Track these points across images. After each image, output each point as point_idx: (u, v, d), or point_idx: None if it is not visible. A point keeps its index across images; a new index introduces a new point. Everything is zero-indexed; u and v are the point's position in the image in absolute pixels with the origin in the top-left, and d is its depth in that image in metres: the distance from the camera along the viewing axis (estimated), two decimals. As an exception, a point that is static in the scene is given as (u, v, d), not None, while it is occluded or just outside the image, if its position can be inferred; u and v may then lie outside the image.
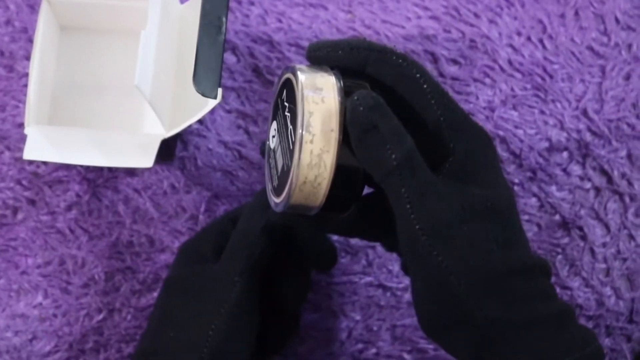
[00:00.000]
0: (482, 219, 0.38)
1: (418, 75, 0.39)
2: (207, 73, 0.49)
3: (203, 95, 0.48)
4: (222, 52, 0.49)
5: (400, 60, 0.39)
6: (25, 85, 0.53)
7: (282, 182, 0.39)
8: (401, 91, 0.40)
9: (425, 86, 0.39)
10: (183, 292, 0.47)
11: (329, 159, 0.38)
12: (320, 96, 0.38)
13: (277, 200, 0.40)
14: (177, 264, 0.50)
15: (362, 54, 0.40)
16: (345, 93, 0.39)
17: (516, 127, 0.57)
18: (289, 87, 0.40)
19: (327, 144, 0.38)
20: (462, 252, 0.37)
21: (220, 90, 0.49)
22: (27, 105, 0.51)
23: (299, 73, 0.39)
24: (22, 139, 0.57)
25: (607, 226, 0.56)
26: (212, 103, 0.49)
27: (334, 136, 0.38)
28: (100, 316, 0.54)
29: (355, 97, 0.38)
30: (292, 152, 0.38)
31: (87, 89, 0.56)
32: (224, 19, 0.50)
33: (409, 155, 0.37)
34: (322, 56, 0.41)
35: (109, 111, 0.55)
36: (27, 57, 0.57)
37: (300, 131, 0.38)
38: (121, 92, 0.55)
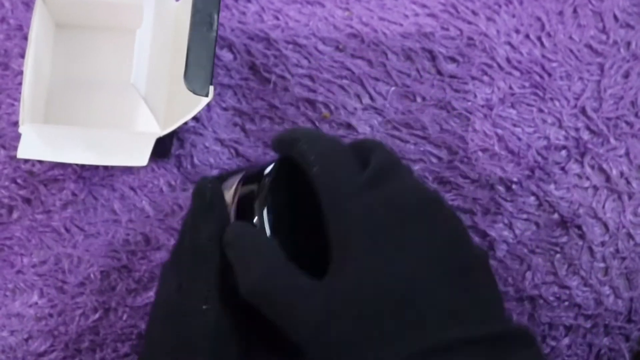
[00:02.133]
0: (353, 316, 0.38)
1: (312, 157, 0.42)
2: (198, 70, 0.48)
3: (194, 93, 0.48)
4: (214, 49, 0.49)
5: (304, 146, 0.42)
6: (20, 84, 0.52)
7: None
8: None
9: (315, 169, 0.41)
10: (163, 322, 0.44)
11: None
12: (228, 207, 0.45)
13: None
14: (158, 287, 0.48)
15: (286, 147, 0.44)
16: (241, 192, 0.44)
17: (514, 125, 0.56)
18: None
19: None
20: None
21: (211, 88, 0.49)
22: (22, 104, 0.50)
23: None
24: (18, 137, 0.56)
25: (605, 225, 0.56)
26: (204, 101, 0.49)
27: None
28: (96, 315, 0.54)
29: (225, 232, 0.42)
30: None
31: (82, 86, 0.55)
32: (215, 16, 0.49)
33: (263, 278, 0.39)
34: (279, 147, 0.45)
35: (104, 109, 0.55)
36: (22, 55, 0.57)
37: None
38: (117, 90, 0.54)
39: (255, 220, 0.42)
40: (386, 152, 0.43)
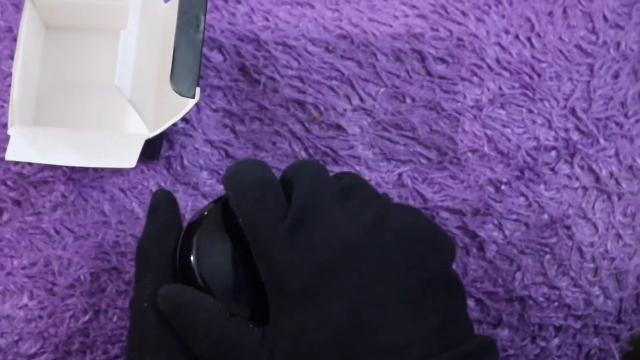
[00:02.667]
0: None
1: (230, 192, 0.42)
2: (184, 72, 0.48)
3: (180, 94, 0.48)
4: (201, 51, 0.49)
5: (229, 182, 0.43)
6: (10, 85, 0.52)
7: None
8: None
9: (235, 208, 0.42)
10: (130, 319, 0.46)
11: None
12: None
13: None
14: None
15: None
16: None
17: (504, 126, 0.57)
18: None
19: None
20: None
21: (198, 90, 0.49)
22: (11, 106, 0.50)
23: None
24: (7, 139, 0.56)
25: (595, 226, 0.56)
26: (191, 102, 0.49)
27: None
28: (86, 317, 0.54)
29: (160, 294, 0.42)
30: None
31: (71, 88, 0.55)
32: (202, 17, 0.49)
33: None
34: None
35: (93, 111, 0.55)
36: (12, 57, 0.57)
37: None
38: (106, 92, 0.54)
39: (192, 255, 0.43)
40: (306, 185, 0.42)
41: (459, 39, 0.58)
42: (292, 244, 0.39)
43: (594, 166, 0.56)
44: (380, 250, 0.40)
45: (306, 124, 0.56)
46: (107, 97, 0.54)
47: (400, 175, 0.56)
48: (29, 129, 0.51)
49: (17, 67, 0.51)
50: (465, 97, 0.57)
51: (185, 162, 0.56)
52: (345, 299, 0.38)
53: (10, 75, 0.56)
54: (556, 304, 0.55)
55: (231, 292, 0.42)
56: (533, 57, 0.57)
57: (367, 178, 0.55)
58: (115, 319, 0.54)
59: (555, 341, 0.55)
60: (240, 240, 0.42)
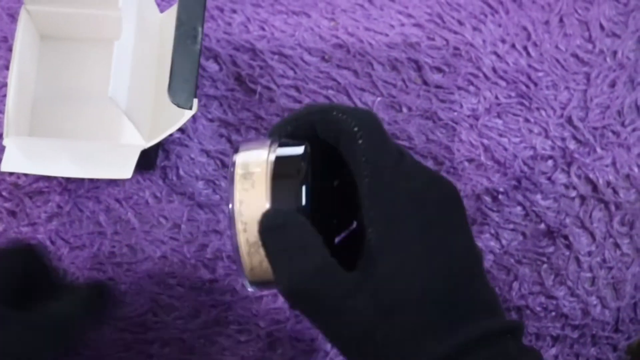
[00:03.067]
0: (401, 313, 0.36)
1: (356, 129, 0.38)
2: (182, 84, 0.48)
3: (178, 106, 0.48)
4: (198, 63, 0.49)
5: (340, 115, 0.38)
6: (5, 96, 0.52)
7: (238, 262, 0.39)
8: (341, 148, 0.39)
9: (360, 142, 0.38)
10: None
11: None
12: (250, 182, 0.38)
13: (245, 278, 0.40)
14: None
15: (308, 120, 0.40)
16: (278, 170, 0.38)
17: (500, 135, 0.56)
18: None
19: None
20: None
21: (195, 101, 0.49)
22: (6, 116, 0.50)
23: (235, 156, 0.39)
24: (2, 149, 0.56)
25: (592, 235, 0.56)
26: (187, 114, 0.49)
27: None
28: (82, 328, 0.54)
29: (264, 216, 0.38)
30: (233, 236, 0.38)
31: (67, 98, 0.55)
32: (199, 29, 0.49)
33: (310, 278, 0.37)
34: (278, 134, 0.40)
35: (89, 121, 0.55)
36: (7, 67, 0.57)
37: (233, 221, 0.38)
38: (101, 102, 0.54)
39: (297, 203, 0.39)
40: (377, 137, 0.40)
41: (455, 48, 0.57)
42: (410, 183, 0.38)
43: (591, 175, 0.56)
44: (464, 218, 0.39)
45: (302, 134, 0.56)
46: (103, 108, 0.54)
47: (396, 184, 0.56)
48: (24, 140, 0.51)
49: (13, 78, 0.51)
50: (461, 106, 0.57)
51: (181, 172, 0.56)
52: (450, 251, 0.38)
53: (5, 85, 0.56)
54: (553, 313, 0.55)
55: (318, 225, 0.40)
56: (529, 66, 0.57)
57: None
58: (110, 329, 0.54)
59: (553, 351, 0.54)
60: (324, 176, 0.41)
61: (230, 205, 0.38)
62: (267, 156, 0.39)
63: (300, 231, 0.37)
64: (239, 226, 0.38)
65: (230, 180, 0.39)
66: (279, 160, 0.38)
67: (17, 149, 0.50)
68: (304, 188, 0.38)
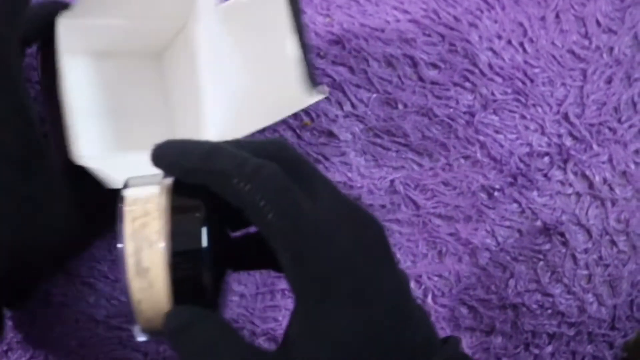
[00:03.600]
0: None
1: (262, 203, 0.34)
2: (311, 69, 0.50)
3: (314, 91, 0.49)
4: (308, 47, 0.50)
5: (242, 185, 0.34)
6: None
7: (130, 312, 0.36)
8: (248, 217, 0.35)
9: (270, 216, 0.34)
10: None
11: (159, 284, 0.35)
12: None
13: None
14: None
15: (199, 178, 0.36)
16: (175, 217, 0.35)
17: (497, 132, 0.56)
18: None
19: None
20: None
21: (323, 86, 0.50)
22: (73, 139, 0.46)
23: (124, 193, 0.36)
24: None
25: (588, 232, 0.55)
26: (317, 97, 0.49)
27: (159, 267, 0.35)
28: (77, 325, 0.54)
29: (168, 318, 0.35)
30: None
31: (118, 113, 0.53)
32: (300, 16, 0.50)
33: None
34: (164, 167, 0.37)
35: (142, 136, 0.52)
36: None
37: (126, 274, 0.34)
38: (154, 116, 0.52)
39: (200, 241, 0.35)
40: (320, 174, 0.38)
41: (451, 44, 0.57)
42: (342, 234, 0.36)
43: (588, 172, 0.56)
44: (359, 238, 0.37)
45: (297, 131, 0.56)
46: (155, 122, 0.52)
47: (392, 181, 0.55)
48: (106, 156, 0.49)
49: (65, 98, 0.46)
50: (457, 102, 0.56)
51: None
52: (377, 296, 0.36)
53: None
54: (550, 311, 0.54)
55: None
56: (526, 62, 0.57)
57: (359, 185, 0.55)
58: (105, 325, 0.54)
59: (549, 348, 0.54)
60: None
61: (125, 257, 0.35)
62: (160, 188, 0.36)
63: (208, 330, 0.35)
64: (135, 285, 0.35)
65: (120, 222, 0.35)
66: (175, 190, 0.36)
67: (106, 168, 0.45)
68: (204, 230, 0.35)
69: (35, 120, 0.43)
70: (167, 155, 0.36)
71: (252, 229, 0.40)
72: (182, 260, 0.34)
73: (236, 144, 0.37)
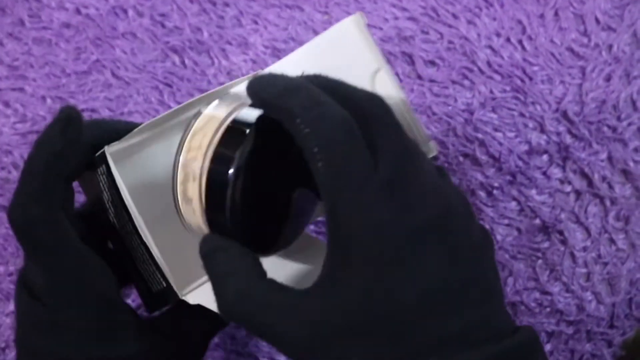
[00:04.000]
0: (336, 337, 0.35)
1: (315, 149, 0.34)
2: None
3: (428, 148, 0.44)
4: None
5: (302, 127, 0.34)
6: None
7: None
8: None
9: (320, 165, 0.34)
10: None
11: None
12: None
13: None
14: None
15: (274, 113, 0.36)
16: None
17: (495, 129, 0.56)
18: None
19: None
20: None
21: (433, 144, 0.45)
22: (170, 276, 0.42)
23: (198, 116, 0.38)
24: (-7, 144, 0.56)
25: (587, 230, 0.55)
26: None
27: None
28: (73, 324, 0.54)
29: (200, 244, 0.37)
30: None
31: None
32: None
33: (232, 303, 0.36)
34: (250, 96, 0.36)
35: None
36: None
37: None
38: None
39: (230, 173, 0.36)
40: (399, 136, 0.36)
41: (450, 42, 0.57)
42: (379, 211, 0.34)
43: (587, 170, 0.56)
44: (461, 236, 0.36)
45: (295, 128, 0.56)
46: None
47: (390, 179, 0.55)
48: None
49: (149, 239, 0.41)
50: (456, 100, 0.56)
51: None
52: (418, 282, 0.34)
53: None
54: (548, 309, 0.54)
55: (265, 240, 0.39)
56: (524, 60, 0.57)
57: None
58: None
59: (548, 347, 0.54)
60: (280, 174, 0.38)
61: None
62: (228, 113, 0.38)
63: (226, 258, 0.37)
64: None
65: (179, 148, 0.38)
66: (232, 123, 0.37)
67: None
68: (233, 174, 0.36)
69: (104, 289, 0.41)
70: (254, 86, 0.36)
71: None
72: (212, 200, 0.37)
73: (333, 85, 0.37)
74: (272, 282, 0.36)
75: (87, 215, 0.43)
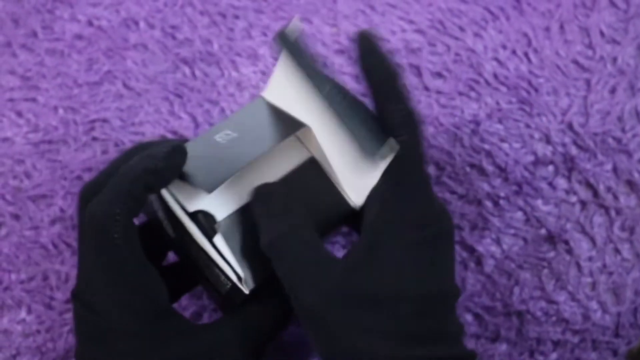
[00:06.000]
0: (361, 306, 0.38)
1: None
2: (367, 136, 0.42)
3: (375, 158, 0.41)
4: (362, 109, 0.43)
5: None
6: (10, 99, 0.52)
7: None
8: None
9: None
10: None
11: None
12: None
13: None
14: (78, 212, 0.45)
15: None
16: None
17: (502, 140, 0.57)
18: None
19: None
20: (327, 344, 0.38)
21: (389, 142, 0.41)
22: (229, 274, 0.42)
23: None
24: (7, 153, 0.56)
25: (593, 240, 0.56)
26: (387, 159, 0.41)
27: None
28: (84, 332, 0.54)
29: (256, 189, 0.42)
30: None
31: None
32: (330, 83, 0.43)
33: (273, 241, 0.40)
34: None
35: None
36: (11, 72, 0.57)
37: None
38: None
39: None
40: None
41: (457, 54, 0.58)
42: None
43: (592, 181, 0.56)
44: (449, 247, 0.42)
45: (304, 139, 0.56)
46: None
47: (398, 189, 0.56)
48: None
49: (212, 254, 0.42)
50: (462, 111, 0.57)
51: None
52: (430, 277, 0.40)
53: (10, 89, 0.56)
54: (554, 318, 0.55)
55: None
56: (530, 72, 0.58)
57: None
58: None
59: (554, 356, 0.55)
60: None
61: None
62: None
63: (284, 199, 0.41)
64: None
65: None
66: None
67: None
68: None
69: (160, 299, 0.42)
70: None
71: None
72: None
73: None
74: (317, 237, 0.40)
75: (144, 231, 0.45)
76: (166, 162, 0.40)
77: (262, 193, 0.42)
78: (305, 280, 0.38)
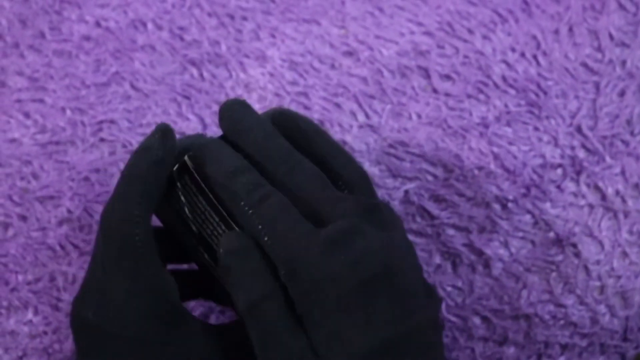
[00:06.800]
0: None
1: (260, 227, 0.39)
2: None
3: None
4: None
5: (246, 209, 0.39)
6: (18, 101, 0.52)
7: None
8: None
9: (266, 239, 0.38)
10: None
11: None
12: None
13: None
14: None
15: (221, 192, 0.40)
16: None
17: (510, 143, 0.57)
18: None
19: None
20: None
21: None
22: None
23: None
24: (14, 154, 0.56)
25: (601, 243, 0.56)
26: None
27: None
28: (91, 333, 0.54)
29: (223, 240, 0.39)
30: None
31: None
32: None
33: (255, 303, 0.38)
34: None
35: None
36: (19, 73, 0.57)
37: None
38: None
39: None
40: (354, 199, 0.40)
41: (465, 56, 0.58)
42: (328, 265, 0.37)
43: (600, 184, 0.56)
44: (403, 288, 0.39)
45: (312, 141, 0.56)
46: None
47: (406, 192, 0.56)
48: None
49: None
50: (471, 114, 0.57)
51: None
52: (370, 329, 0.38)
53: (17, 90, 0.56)
54: (562, 321, 0.55)
55: None
56: (539, 74, 0.58)
57: (373, 195, 0.55)
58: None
59: (562, 359, 0.54)
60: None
61: None
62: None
63: (258, 256, 0.39)
64: None
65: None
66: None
67: None
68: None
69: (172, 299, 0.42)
70: (205, 158, 0.41)
71: None
72: None
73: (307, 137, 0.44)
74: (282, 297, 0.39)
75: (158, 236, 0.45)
76: (164, 148, 0.40)
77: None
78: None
